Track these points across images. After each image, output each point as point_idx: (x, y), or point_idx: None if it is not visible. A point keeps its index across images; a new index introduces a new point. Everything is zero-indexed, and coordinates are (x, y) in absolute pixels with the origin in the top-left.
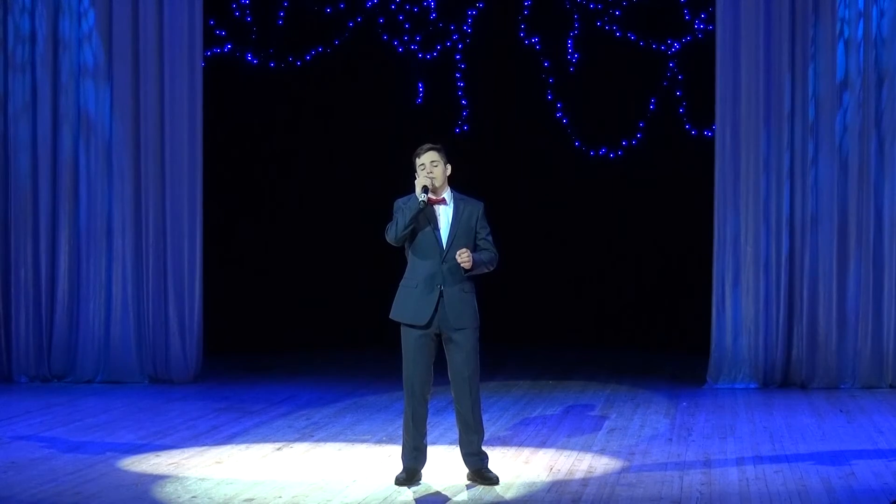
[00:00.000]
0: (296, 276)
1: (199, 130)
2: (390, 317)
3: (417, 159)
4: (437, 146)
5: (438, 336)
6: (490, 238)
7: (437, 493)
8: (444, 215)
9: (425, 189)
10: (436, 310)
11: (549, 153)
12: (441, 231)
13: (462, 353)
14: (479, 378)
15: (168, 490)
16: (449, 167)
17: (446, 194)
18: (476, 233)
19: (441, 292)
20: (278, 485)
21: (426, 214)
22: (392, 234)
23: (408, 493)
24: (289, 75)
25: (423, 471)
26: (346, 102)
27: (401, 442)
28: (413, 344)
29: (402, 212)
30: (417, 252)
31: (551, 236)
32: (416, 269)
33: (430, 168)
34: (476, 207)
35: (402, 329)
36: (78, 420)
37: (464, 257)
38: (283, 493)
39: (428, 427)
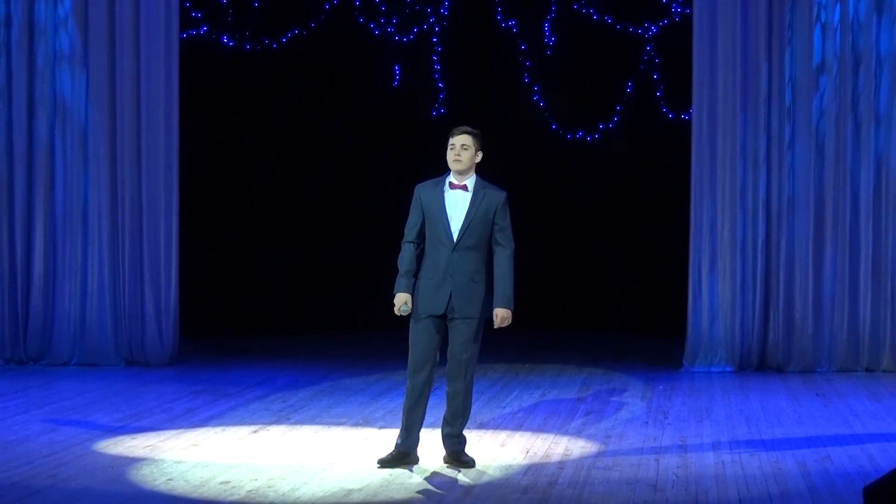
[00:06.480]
0: (272, 259)
1: (175, 113)
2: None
3: (450, 138)
4: (474, 131)
5: (446, 323)
6: (508, 231)
7: (413, 476)
8: (461, 203)
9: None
10: (449, 299)
11: (526, 136)
12: (454, 220)
13: (463, 337)
14: (475, 364)
15: (144, 472)
16: (480, 154)
17: (469, 181)
18: (494, 223)
19: (451, 281)
20: (254, 467)
21: (440, 203)
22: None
23: (384, 474)
24: (265, 57)
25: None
26: (321, 85)
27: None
28: (421, 327)
29: (398, 274)
30: (432, 241)
31: (527, 219)
32: (431, 259)
33: (460, 150)
34: (498, 197)
35: (413, 314)
36: (53, 403)
37: (500, 322)
38: (259, 475)
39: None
